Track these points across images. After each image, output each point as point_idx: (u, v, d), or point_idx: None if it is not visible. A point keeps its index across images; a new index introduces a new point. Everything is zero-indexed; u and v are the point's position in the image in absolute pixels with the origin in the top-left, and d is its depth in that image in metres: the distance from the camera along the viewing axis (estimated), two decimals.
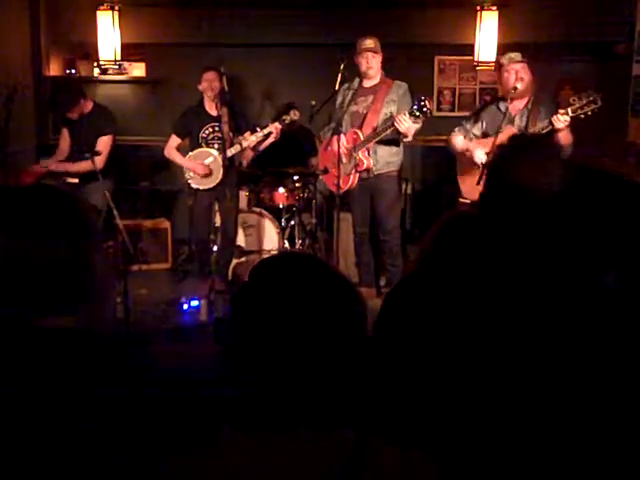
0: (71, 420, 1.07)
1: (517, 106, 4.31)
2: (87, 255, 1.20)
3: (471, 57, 6.17)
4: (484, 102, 4.44)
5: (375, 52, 4.69)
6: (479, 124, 4.42)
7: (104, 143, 4.92)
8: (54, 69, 6.28)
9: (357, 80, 4.86)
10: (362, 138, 4.74)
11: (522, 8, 5.98)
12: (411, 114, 4.37)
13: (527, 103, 4.29)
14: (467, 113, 6.31)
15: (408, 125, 4.45)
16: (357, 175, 4.83)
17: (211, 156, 5.00)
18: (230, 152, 4.91)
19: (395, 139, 4.71)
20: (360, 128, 4.77)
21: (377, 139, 4.68)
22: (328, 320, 1.01)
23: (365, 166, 4.76)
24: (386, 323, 1.42)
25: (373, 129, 4.71)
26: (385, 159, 4.78)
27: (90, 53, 6.18)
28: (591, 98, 3.92)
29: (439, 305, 1.37)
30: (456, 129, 4.56)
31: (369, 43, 4.68)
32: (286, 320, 0.99)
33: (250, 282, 1.07)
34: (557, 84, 6.07)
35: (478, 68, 6.24)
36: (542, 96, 4.36)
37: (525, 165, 1.50)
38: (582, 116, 3.94)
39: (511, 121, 4.27)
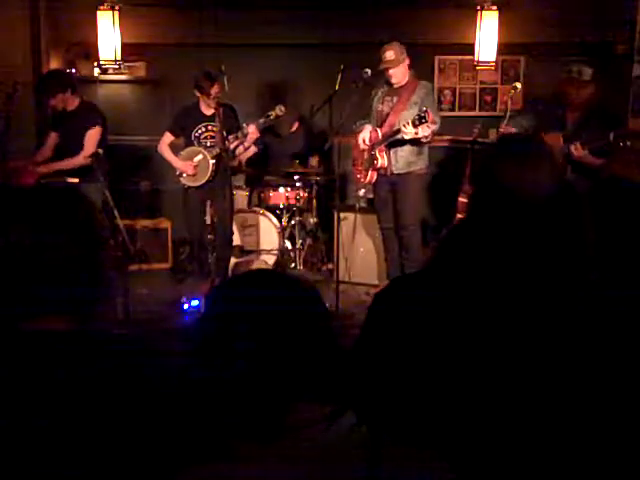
0: (78, 431, 1.06)
1: (574, 114, 4.33)
2: (94, 253, 1.20)
3: (471, 57, 6.16)
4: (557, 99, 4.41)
5: (390, 67, 4.71)
6: (535, 121, 4.43)
7: (90, 135, 4.90)
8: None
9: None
10: (380, 137, 4.81)
11: (522, 8, 5.98)
12: (412, 123, 4.50)
13: (583, 113, 4.30)
14: (468, 113, 6.39)
15: (411, 135, 4.55)
16: (375, 172, 4.88)
17: (200, 154, 5.01)
18: (216, 151, 4.92)
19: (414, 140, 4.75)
20: (381, 127, 4.84)
21: (389, 141, 4.75)
22: (293, 323, 1.05)
23: (379, 164, 4.83)
24: (372, 324, 1.42)
25: (391, 129, 4.78)
26: (406, 159, 4.83)
27: (90, 53, 6.17)
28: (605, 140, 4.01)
29: (427, 306, 1.36)
30: (511, 123, 4.63)
31: (386, 57, 4.70)
32: (256, 328, 1.03)
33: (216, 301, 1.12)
34: (557, 84, 6.06)
35: (478, 68, 6.23)
36: (600, 110, 4.33)
37: (511, 164, 1.49)
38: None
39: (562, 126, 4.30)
